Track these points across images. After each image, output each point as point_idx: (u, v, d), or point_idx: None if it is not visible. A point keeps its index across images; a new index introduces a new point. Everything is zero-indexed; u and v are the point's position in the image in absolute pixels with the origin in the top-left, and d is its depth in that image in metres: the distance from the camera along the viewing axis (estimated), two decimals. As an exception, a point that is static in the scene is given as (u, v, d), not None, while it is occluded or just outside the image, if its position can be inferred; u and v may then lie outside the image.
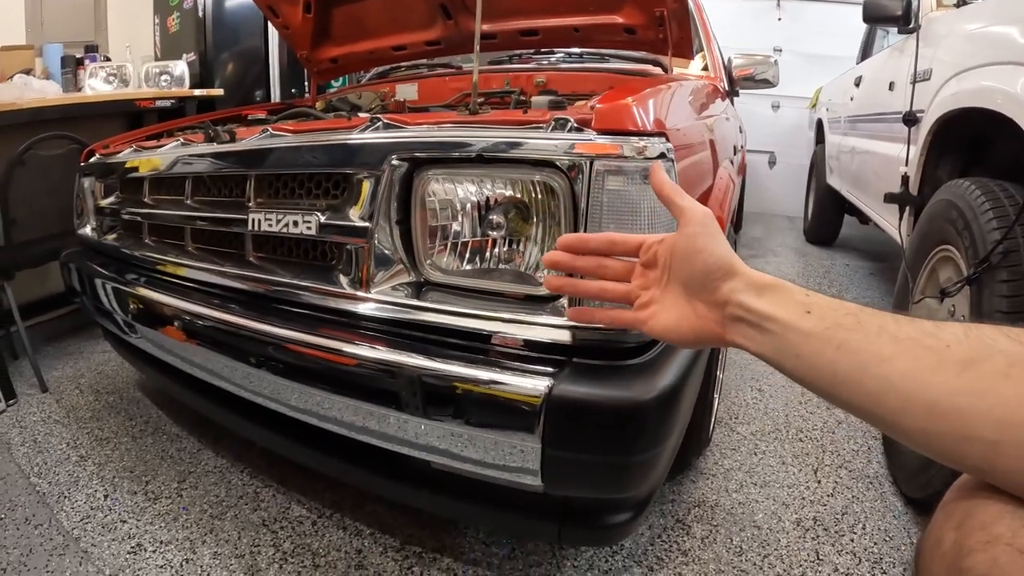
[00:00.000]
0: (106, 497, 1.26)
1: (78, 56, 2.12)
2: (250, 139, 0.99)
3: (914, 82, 1.59)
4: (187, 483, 1.30)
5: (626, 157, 0.69)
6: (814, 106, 4.06)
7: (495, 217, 0.77)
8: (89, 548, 1.10)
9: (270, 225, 0.91)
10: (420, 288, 0.81)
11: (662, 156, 0.71)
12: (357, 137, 0.85)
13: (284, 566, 1.06)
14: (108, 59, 2.25)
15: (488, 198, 0.77)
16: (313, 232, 0.86)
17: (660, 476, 0.81)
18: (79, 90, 2.00)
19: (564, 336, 0.71)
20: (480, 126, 0.79)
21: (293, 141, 0.91)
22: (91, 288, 1.29)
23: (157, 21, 2.52)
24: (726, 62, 2.03)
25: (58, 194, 1.67)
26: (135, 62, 2.25)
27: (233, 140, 1.03)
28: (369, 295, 0.82)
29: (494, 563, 1.06)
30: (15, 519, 1.19)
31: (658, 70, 1.59)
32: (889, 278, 2.98)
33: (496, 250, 0.78)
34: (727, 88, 1.91)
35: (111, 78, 2.01)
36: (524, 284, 0.76)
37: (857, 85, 2.69)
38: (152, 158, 1.17)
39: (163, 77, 2.15)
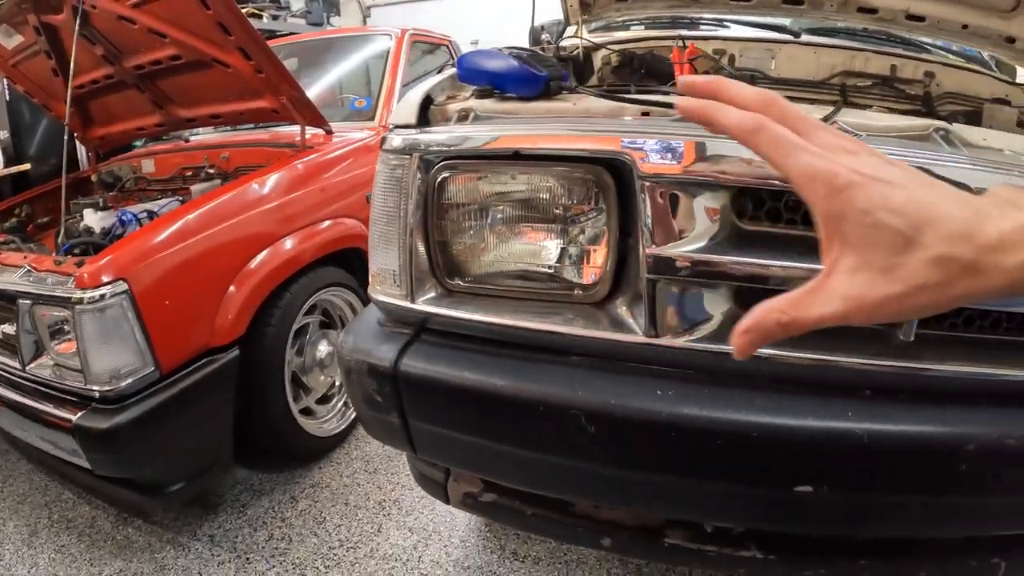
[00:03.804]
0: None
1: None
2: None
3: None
4: (8, 482, 2.14)
5: (83, 306, 1.40)
6: None
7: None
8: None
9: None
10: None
11: (99, 301, 1.41)
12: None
13: (52, 528, 1.89)
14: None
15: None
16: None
17: (170, 464, 1.58)
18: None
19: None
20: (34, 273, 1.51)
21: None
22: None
23: (-16, 98, 3.22)
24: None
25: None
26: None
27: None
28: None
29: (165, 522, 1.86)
30: None
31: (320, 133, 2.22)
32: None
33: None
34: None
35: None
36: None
37: None
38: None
39: (-18, 158, 2.88)
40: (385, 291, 0.99)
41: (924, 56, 1.96)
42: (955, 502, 0.88)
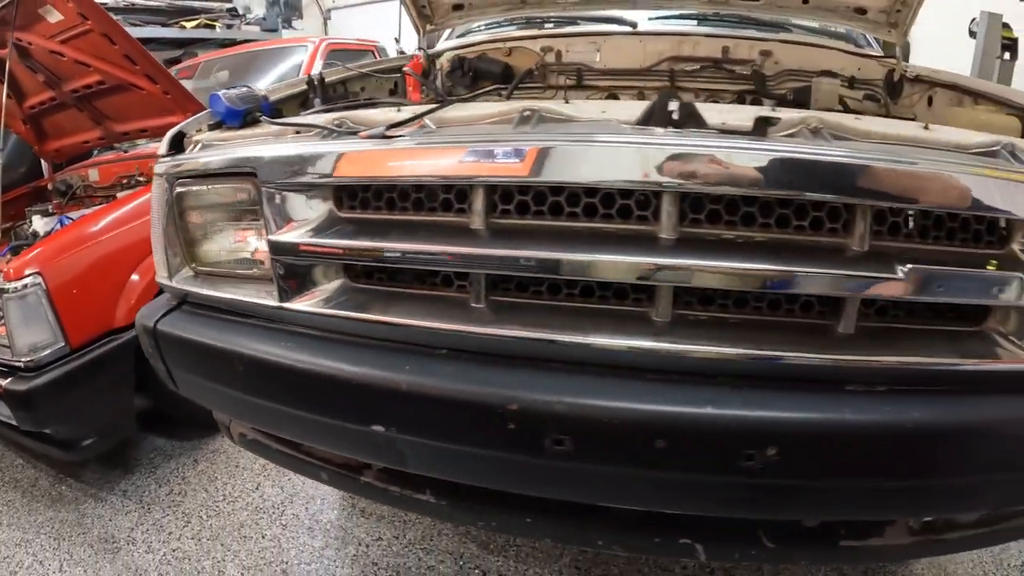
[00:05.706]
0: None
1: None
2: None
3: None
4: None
5: (8, 295, 1.93)
6: None
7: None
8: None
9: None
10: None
11: (20, 290, 1.94)
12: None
13: (2, 487, 2.47)
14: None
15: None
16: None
17: (79, 422, 2.09)
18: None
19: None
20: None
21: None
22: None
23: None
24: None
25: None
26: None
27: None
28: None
29: (91, 480, 2.40)
30: None
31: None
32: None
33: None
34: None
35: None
36: None
37: None
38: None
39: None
40: (159, 274, 1.45)
41: (759, 35, 2.21)
42: (517, 462, 1.04)
